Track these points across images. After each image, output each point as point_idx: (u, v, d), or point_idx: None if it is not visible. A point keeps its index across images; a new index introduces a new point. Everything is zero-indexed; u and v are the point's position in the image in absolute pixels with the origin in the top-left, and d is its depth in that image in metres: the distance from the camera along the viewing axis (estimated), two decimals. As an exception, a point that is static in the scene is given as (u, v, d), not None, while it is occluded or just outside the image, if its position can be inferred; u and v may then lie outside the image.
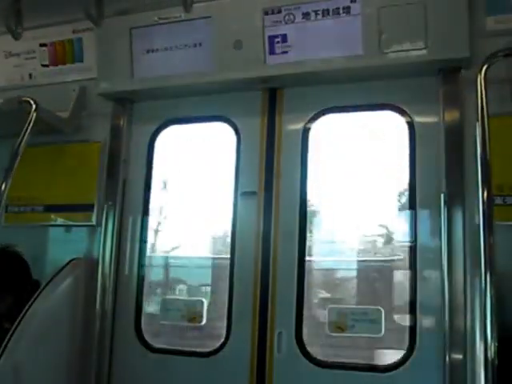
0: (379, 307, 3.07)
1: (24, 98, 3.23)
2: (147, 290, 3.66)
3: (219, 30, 3.36)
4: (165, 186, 3.91)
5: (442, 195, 2.88)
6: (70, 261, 3.46)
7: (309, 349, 3.11)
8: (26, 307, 3.04)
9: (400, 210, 3.22)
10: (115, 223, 3.57)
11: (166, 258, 4.32)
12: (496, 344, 2.01)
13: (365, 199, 3.40)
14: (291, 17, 3.20)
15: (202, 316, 3.41)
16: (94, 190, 3.67)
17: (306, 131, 3.34)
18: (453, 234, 2.84)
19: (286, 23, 3.21)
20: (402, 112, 3.17)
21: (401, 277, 3.31)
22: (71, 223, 3.73)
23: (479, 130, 2.29)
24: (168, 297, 4.14)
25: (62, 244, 3.75)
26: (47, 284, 3.25)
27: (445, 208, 2.86)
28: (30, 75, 4.05)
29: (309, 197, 3.27)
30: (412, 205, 3.04)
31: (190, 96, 3.60)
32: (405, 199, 3.09)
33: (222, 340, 3.27)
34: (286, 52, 3.24)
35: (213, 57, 3.38)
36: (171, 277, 4.47)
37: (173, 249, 4.30)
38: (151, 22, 3.53)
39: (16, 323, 2.96)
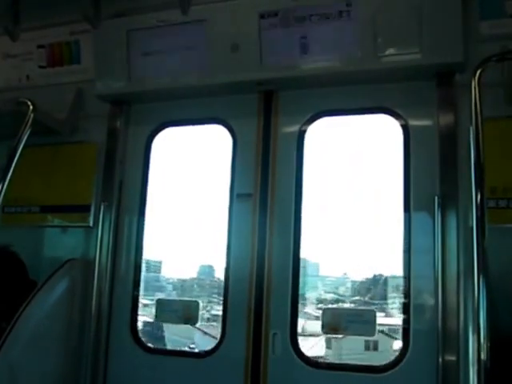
0: (373, 308, 3.09)
1: (21, 100, 3.25)
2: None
3: (216, 32, 3.37)
4: (160, 188, 3.91)
5: (436, 198, 2.89)
6: (67, 261, 3.47)
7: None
8: (22, 307, 3.05)
9: (394, 211, 3.23)
10: (111, 224, 3.58)
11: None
12: (488, 345, 2.02)
13: (359, 201, 3.42)
14: (287, 20, 3.22)
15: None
16: (91, 191, 3.68)
17: (301, 133, 3.35)
18: (446, 237, 2.86)
19: (282, 26, 3.23)
20: (397, 115, 3.19)
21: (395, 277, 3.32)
22: (68, 224, 3.74)
23: (473, 134, 2.31)
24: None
25: (58, 245, 3.76)
26: (43, 284, 3.26)
27: (438, 210, 2.87)
28: (28, 77, 4.06)
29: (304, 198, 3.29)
30: (406, 207, 3.06)
31: (186, 98, 3.62)
32: (399, 201, 3.10)
33: (217, 341, 3.29)
34: (282, 55, 3.25)
35: (209, 59, 3.39)
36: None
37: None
38: (148, 24, 3.54)
39: (12, 323, 2.97)
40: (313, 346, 4.11)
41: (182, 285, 4.68)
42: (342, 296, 4.09)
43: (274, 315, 3.16)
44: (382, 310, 3.72)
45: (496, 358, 2.03)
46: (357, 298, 4.02)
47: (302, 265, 3.24)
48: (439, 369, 2.74)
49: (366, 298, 3.96)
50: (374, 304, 3.86)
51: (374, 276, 4.04)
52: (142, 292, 3.63)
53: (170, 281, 4.70)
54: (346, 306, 4.01)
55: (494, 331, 2.04)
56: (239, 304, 3.23)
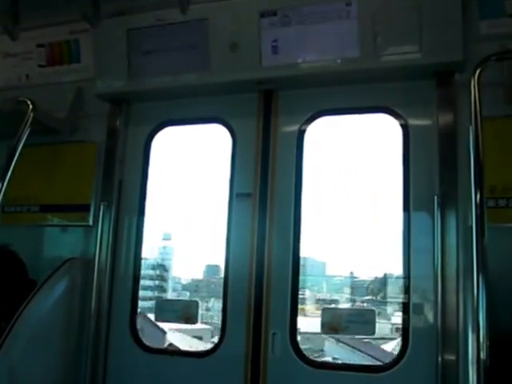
0: (373, 308, 3.08)
1: (21, 99, 3.24)
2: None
3: (215, 31, 3.37)
4: (160, 187, 3.91)
5: (436, 197, 2.89)
6: (66, 261, 3.47)
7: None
8: (22, 307, 3.05)
9: (393, 211, 3.24)
10: (111, 223, 3.58)
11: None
12: (488, 344, 2.02)
13: (358, 200, 3.42)
14: (287, 19, 3.22)
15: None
16: (90, 190, 3.68)
17: (301, 133, 3.35)
18: (446, 236, 2.86)
19: (282, 26, 3.23)
20: (397, 115, 3.19)
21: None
22: (67, 223, 3.74)
23: (472, 133, 2.31)
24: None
25: (58, 244, 3.76)
26: (43, 284, 3.25)
27: (438, 210, 2.87)
28: (27, 76, 4.06)
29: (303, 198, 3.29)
30: (406, 207, 3.06)
31: (186, 97, 3.62)
32: (398, 201, 3.10)
33: (217, 341, 3.29)
34: (281, 54, 3.25)
35: (209, 58, 3.39)
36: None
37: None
38: (148, 23, 3.54)
39: (11, 322, 2.96)
40: (394, 347, 4.11)
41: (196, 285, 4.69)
42: (351, 295, 4.10)
43: (274, 315, 3.16)
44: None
45: (495, 356, 2.04)
46: (369, 297, 4.02)
47: (306, 264, 3.24)
48: (439, 368, 2.74)
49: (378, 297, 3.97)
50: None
51: (383, 275, 4.03)
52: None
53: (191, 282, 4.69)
54: (358, 304, 4.01)
55: (494, 330, 2.05)
56: (239, 304, 3.23)
